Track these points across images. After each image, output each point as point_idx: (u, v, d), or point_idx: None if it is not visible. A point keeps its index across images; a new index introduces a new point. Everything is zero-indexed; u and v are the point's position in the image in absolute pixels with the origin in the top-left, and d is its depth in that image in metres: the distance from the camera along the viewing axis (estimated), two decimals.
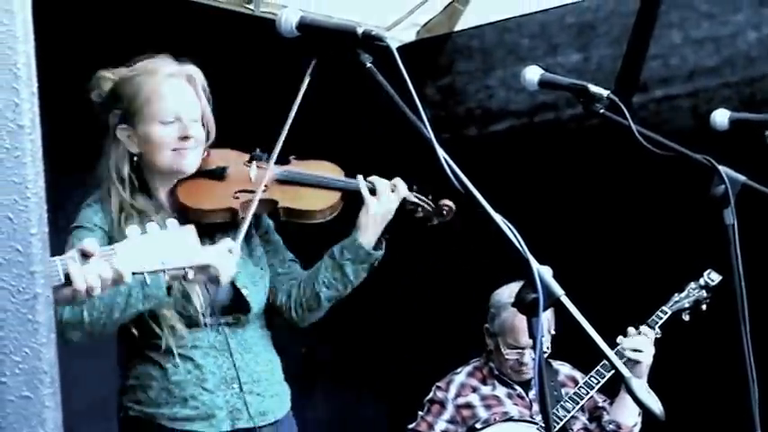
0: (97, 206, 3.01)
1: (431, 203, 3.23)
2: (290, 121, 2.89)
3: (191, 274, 2.47)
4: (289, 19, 2.41)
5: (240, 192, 3.06)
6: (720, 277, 4.14)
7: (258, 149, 3.14)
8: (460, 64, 5.80)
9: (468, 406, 4.22)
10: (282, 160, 3.14)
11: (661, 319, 4.16)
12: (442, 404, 4.25)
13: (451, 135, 5.67)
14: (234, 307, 3.07)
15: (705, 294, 4.22)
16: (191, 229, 2.48)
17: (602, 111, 3.01)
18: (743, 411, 2.90)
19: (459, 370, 4.36)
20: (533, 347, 2.05)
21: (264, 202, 3.04)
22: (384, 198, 3.14)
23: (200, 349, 3.03)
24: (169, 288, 2.81)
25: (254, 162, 3.13)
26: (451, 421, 4.22)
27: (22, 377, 1.43)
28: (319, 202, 3.13)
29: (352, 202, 3.18)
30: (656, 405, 2.01)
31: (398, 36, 5.73)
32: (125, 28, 4.76)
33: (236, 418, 3.04)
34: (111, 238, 2.93)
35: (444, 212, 3.23)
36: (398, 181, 3.18)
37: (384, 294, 5.61)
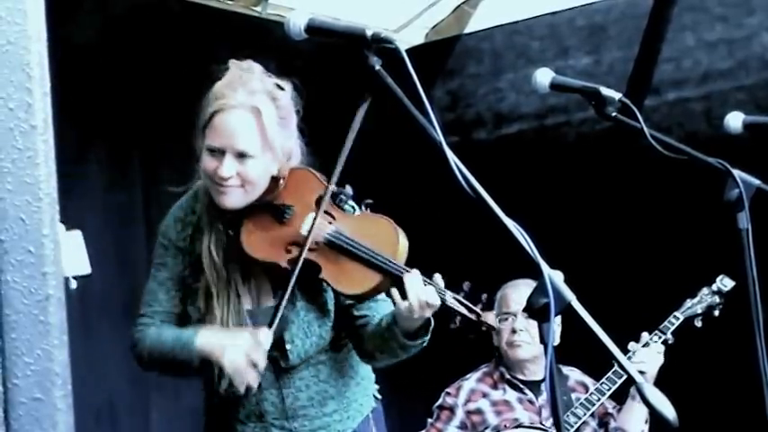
0: (183, 208, 3.05)
1: (474, 312, 2.90)
2: (339, 166, 2.77)
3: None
4: (297, 22, 2.40)
5: (292, 245, 2.90)
6: (733, 283, 4.14)
7: (336, 188, 2.90)
8: (470, 67, 5.78)
9: (478, 412, 4.22)
10: (357, 202, 2.98)
11: (673, 324, 4.15)
12: (452, 410, 4.25)
13: (461, 138, 5.66)
14: (276, 352, 2.98)
15: (718, 300, 4.21)
16: None
17: (614, 114, 3.00)
18: (757, 417, 2.89)
19: (468, 376, 4.36)
20: (545, 353, 2.03)
21: (309, 264, 2.86)
22: (414, 301, 2.79)
23: None
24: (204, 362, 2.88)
25: (316, 208, 2.91)
26: (461, 427, 4.21)
27: (34, 379, 1.43)
28: (360, 285, 2.87)
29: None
30: (669, 411, 1.99)
31: (407, 38, 5.72)
32: (131, 29, 4.77)
33: None
34: (186, 252, 3.00)
35: (483, 329, 2.93)
36: (431, 289, 2.83)
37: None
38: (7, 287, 1.43)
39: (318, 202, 2.89)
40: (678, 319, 4.17)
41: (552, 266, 1.99)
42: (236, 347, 2.81)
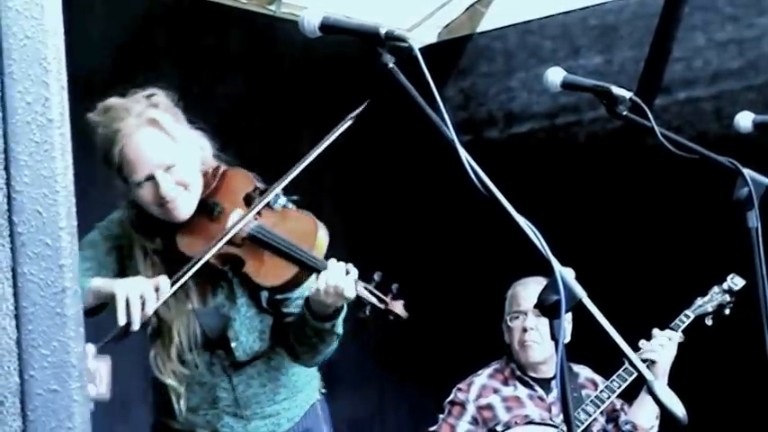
0: (100, 231, 3.04)
1: (383, 302, 2.95)
2: (295, 172, 2.92)
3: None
4: (311, 20, 2.40)
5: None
6: (744, 282, 4.14)
7: (260, 186, 3.03)
8: (482, 66, 5.79)
9: (489, 407, 4.23)
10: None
11: (684, 323, 4.15)
12: (463, 405, 4.26)
13: (473, 137, 5.67)
14: (222, 350, 3.06)
15: (728, 299, 4.21)
16: None
17: (624, 113, 3.00)
18: (765, 416, 2.90)
19: (479, 372, 4.37)
20: (555, 350, 2.04)
21: (231, 257, 2.96)
22: (328, 287, 2.87)
23: (187, 366, 3.04)
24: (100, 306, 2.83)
25: (247, 206, 3.01)
26: (473, 422, 4.22)
27: (51, 371, 1.44)
28: (277, 277, 2.95)
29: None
30: (679, 409, 2.00)
31: (420, 37, 5.73)
32: (145, 27, 4.78)
33: None
34: (102, 265, 2.97)
35: (391, 318, 2.96)
36: (343, 275, 2.88)
37: (405, 298, 5.61)
38: (24, 279, 1.44)
39: (246, 199, 2.99)
40: (689, 317, 4.17)
41: (563, 264, 1.99)
42: (132, 282, 2.80)
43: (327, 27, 2.39)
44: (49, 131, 1.46)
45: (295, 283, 2.97)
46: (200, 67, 4.98)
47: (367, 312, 2.95)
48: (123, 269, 3.00)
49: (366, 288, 2.94)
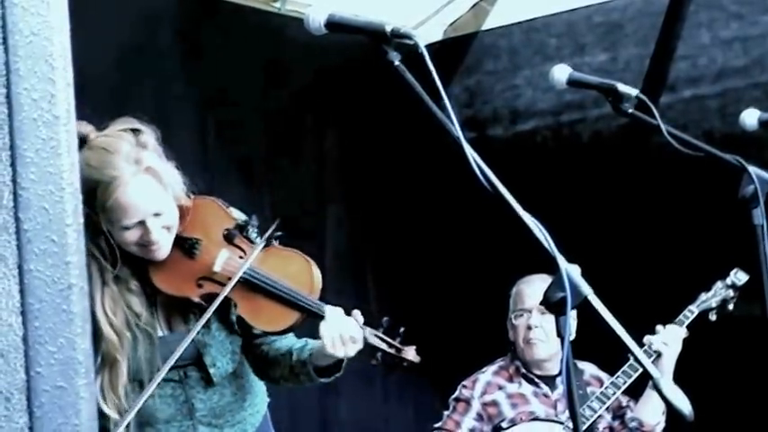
0: None
1: (394, 347, 2.95)
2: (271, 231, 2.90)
3: None
4: (316, 17, 2.39)
5: (204, 280, 2.93)
6: (747, 277, 4.14)
7: (243, 219, 2.98)
8: (487, 63, 5.79)
9: (494, 404, 4.23)
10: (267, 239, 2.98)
11: (688, 318, 4.15)
12: (468, 402, 4.27)
13: (478, 134, 5.67)
14: (198, 372, 3.03)
15: (732, 294, 4.21)
16: None
17: (630, 110, 3.00)
18: None
19: (484, 369, 4.38)
20: (561, 347, 2.04)
21: (225, 300, 2.89)
22: (337, 337, 2.87)
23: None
24: None
25: (229, 243, 2.96)
26: (478, 419, 4.23)
27: (58, 367, 1.44)
28: (279, 323, 2.92)
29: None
30: (685, 405, 2.00)
31: (425, 35, 5.73)
32: (148, 24, 4.78)
33: None
34: None
35: (405, 365, 2.98)
36: (354, 324, 2.89)
37: (406, 295, 5.61)
38: (30, 276, 1.44)
39: (227, 236, 2.94)
40: (693, 312, 4.17)
41: (568, 261, 1.99)
42: None
43: (333, 24, 2.38)
44: (55, 128, 1.46)
45: (295, 327, 2.96)
46: (203, 66, 4.98)
47: (379, 359, 2.94)
48: None
49: (375, 335, 2.93)
